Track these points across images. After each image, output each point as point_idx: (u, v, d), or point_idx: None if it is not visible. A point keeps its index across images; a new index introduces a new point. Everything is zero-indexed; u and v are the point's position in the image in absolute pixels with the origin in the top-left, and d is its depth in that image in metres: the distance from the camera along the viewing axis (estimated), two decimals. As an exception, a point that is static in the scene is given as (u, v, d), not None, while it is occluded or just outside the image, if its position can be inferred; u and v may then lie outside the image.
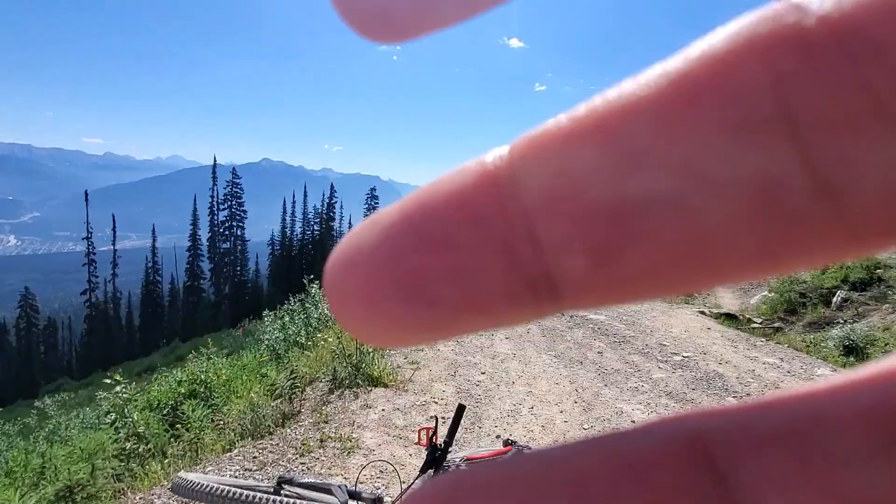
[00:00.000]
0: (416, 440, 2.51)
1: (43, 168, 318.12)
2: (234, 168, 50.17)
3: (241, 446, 4.15)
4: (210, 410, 5.40)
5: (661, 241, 0.10)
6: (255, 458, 3.88)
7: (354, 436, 4.09)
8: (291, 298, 10.61)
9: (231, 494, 2.16)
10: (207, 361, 7.05)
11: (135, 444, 4.79)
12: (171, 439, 4.97)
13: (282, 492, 2.24)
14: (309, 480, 2.28)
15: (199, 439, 4.70)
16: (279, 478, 2.28)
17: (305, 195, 50.15)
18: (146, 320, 49.30)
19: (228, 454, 4.05)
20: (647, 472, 0.10)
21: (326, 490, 2.18)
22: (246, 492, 2.17)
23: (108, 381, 5.58)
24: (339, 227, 49.13)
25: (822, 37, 0.09)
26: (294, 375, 5.28)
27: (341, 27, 0.12)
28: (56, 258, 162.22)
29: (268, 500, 2.12)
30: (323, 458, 3.79)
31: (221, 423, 4.98)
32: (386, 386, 5.09)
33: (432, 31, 0.12)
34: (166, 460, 4.42)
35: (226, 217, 47.90)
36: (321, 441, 4.02)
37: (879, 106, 0.08)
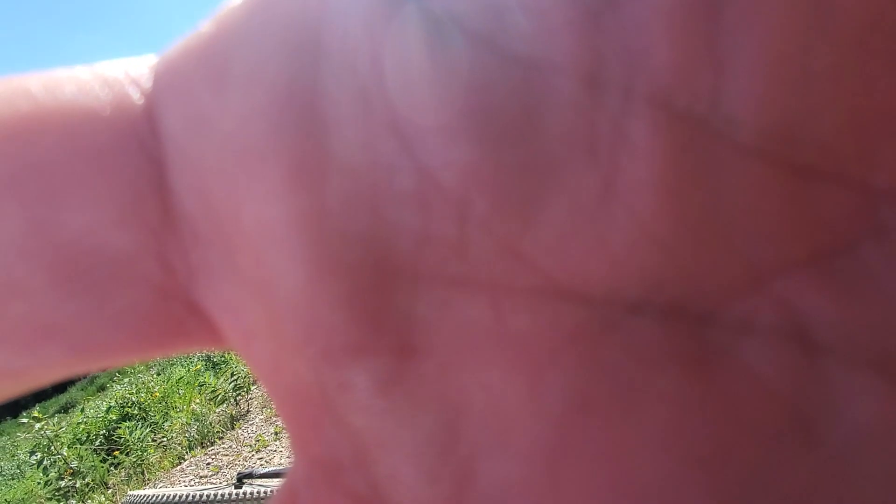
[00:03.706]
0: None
1: None
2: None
3: (192, 457, 4.02)
4: (149, 430, 5.12)
5: None
6: (208, 464, 3.78)
7: (309, 422, 4.08)
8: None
9: (189, 498, 2.12)
10: (137, 381, 6.62)
11: (70, 481, 4.45)
12: (111, 468, 4.67)
13: (243, 486, 2.23)
14: (270, 470, 2.28)
15: (142, 461, 4.46)
16: (238, 474, 2.27)
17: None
18: (54, 355, 44.31)
19: (179, 467, 3.92)
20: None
21: (290, 471, 2.21)
22: (205, 492, 2.14)
23: (26, 420, 5.09)
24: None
25: None
26: (236, 377, 5.12)
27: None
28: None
29: (228, 494, 2.11)
30: (281, 450, 3.76)
31: (165, 439, 4.75)
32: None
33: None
34: (109, 491, 4.17)
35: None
36: (276, 434, 3.98)
37: None
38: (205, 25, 0.10)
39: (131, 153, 0.09)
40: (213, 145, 0.09)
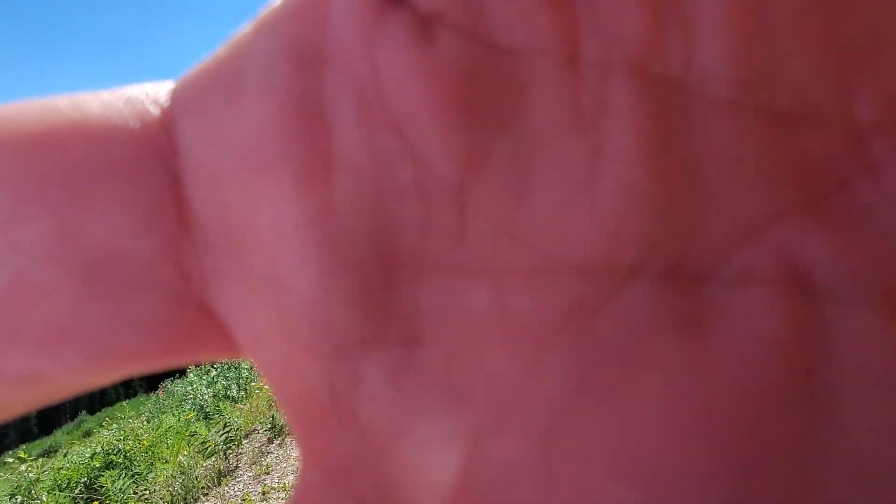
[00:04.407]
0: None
1: None
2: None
3: (174, 513, 3.84)
4: (132, 481, 4.91)
5: None
6: (190, 522, 3.60)
7: (299, 483, 3.91)
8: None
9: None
10: (126, 427, 6.44)
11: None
12: (88, 519, 4.45)
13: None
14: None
15: (121, 514, 4.26)
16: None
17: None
18: (44, 395, 43.17)
19: (159, 523, 3.73)
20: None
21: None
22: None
23: (11, 460, 4.92)
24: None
25: None
26: (228, 429, 4.98)
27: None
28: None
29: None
30: (267, 511, 3.59)
31: (147, 492, 4.55)
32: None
33: None
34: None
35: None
36: (263, 494, 3.81)
37: None
38: (219, 48, 0.10)
39: (151, 164, 0.10)
40: (226, 154, 0.10)
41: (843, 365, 0.08)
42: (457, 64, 0.09)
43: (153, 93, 0.11)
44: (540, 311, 0.09)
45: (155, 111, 0.10)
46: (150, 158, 0.10)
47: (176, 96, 0.10)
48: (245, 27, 0.10)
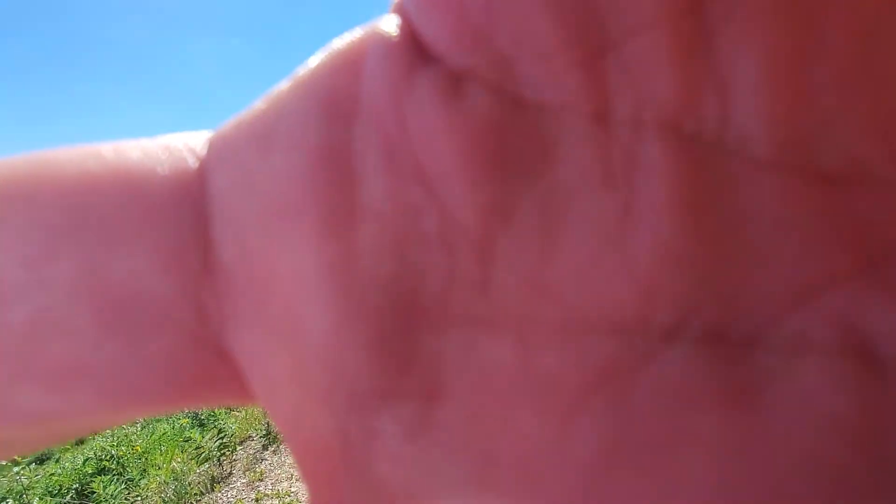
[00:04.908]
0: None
1: None
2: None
3: (166, 519, 3.81)
4: (124, 487, 4.87)
5: None
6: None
7: (293, 490, 3.89)
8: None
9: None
10: (119, 433, 6.39)
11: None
12: (79, 525, 4.41)
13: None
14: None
15: (112, 520, 4.22)
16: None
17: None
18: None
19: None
20: None
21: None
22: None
23: (4, 462, 4.89)
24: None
25: None
26: (222, 435, 4.95)
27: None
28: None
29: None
30: (260, 518, 3.57)
31: (139, 498, 4.52)
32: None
33: None
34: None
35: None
36: (256, 500, 3.79)
37: None
38: (256, 102, 0.11)
39: (182, 209, 0.10)
40: (254, 201, 0.10)
41: None
42: (485, 119, 0.09)
43: (191, 142, 0.11)
44: (569, 371, 0.08)
45: (192, 160, 0.11)
46: (181, 204, 0.10)
47: (212, 146, 0.11)
48: (281, 83, 0.11)
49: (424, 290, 0.09)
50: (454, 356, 0.09)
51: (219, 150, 0.11)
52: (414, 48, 0.09)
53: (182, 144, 0.11)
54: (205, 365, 0.10)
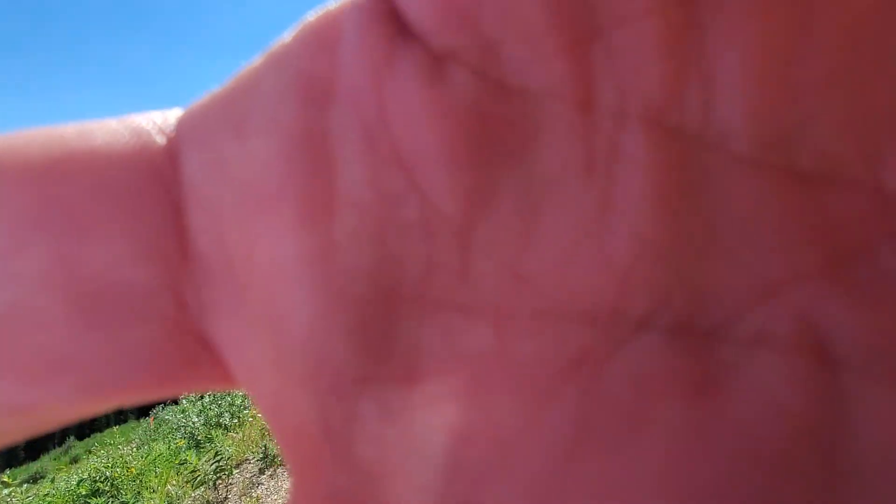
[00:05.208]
0: None
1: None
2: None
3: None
4: (118, 510, 4.78)
5: None
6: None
7: (289, 516, 3.80)
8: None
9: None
10: (115, 454, 6.29)
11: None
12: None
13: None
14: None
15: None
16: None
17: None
18: (33, 419, 41.89)
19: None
20: None
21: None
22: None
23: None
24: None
25: None
26: (219, 458, 4.88)
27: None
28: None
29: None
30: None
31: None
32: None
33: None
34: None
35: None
36: (252, 527, 3.70)
37: None
38: (226, 81, 0.10)
39: (153, 194, 0.10)
40: (229, 188, 0.10)
41: (859, 442, 0.07)
42: (467, 103, 0.08)
43: (159, 122, 0.11)
44: (545, 358, 0.08)
45: (160, 141, 0.10)
46: (152, 189, 0.10)
47: (182, 127, 0.11)
48: (254, 61, 0.10)
49: (404, 277, 0.09)
50: (433, 341, 0.09)
51: (190, 132, 0.10)
52: (394, 25, 0.09)
53: (150, 125, 0.11)
54: (187, 351, 0.10)
